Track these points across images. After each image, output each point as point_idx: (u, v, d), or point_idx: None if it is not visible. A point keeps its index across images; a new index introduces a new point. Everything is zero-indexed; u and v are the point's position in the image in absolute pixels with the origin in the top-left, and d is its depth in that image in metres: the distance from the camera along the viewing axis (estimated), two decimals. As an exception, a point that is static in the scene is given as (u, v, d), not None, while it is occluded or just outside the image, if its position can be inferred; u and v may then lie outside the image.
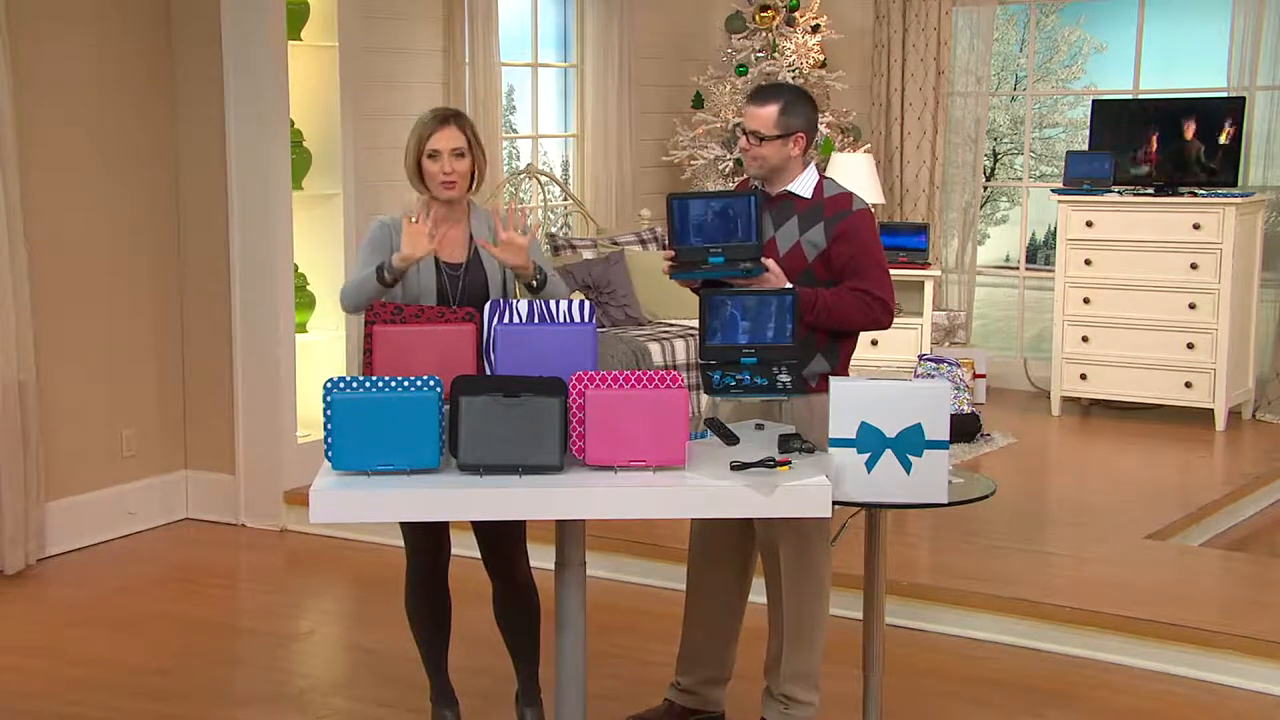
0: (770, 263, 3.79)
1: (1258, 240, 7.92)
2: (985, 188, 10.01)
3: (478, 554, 4.07)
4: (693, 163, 8.59)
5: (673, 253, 3.82)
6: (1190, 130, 7.87)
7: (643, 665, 4.77)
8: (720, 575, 4.15)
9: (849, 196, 3.94)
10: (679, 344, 7.20)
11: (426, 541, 3.98)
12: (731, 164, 8.35)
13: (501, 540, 3.99)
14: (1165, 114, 8.06)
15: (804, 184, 3.93)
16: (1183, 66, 9.70)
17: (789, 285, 3.77)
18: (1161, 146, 7.96)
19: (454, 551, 4.05)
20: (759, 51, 8.58)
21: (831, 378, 3.49)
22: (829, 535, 3.95)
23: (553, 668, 3.56)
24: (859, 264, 3.87)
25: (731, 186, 7.61)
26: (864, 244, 3.89)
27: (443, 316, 3.60)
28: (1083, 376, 8.08)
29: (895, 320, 8.33)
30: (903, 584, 5.06)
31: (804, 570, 3.95)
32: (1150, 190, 7.93)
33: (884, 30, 8.99)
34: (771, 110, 3.85)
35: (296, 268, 6.40)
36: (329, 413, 3.25)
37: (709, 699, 4.21)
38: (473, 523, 3.97)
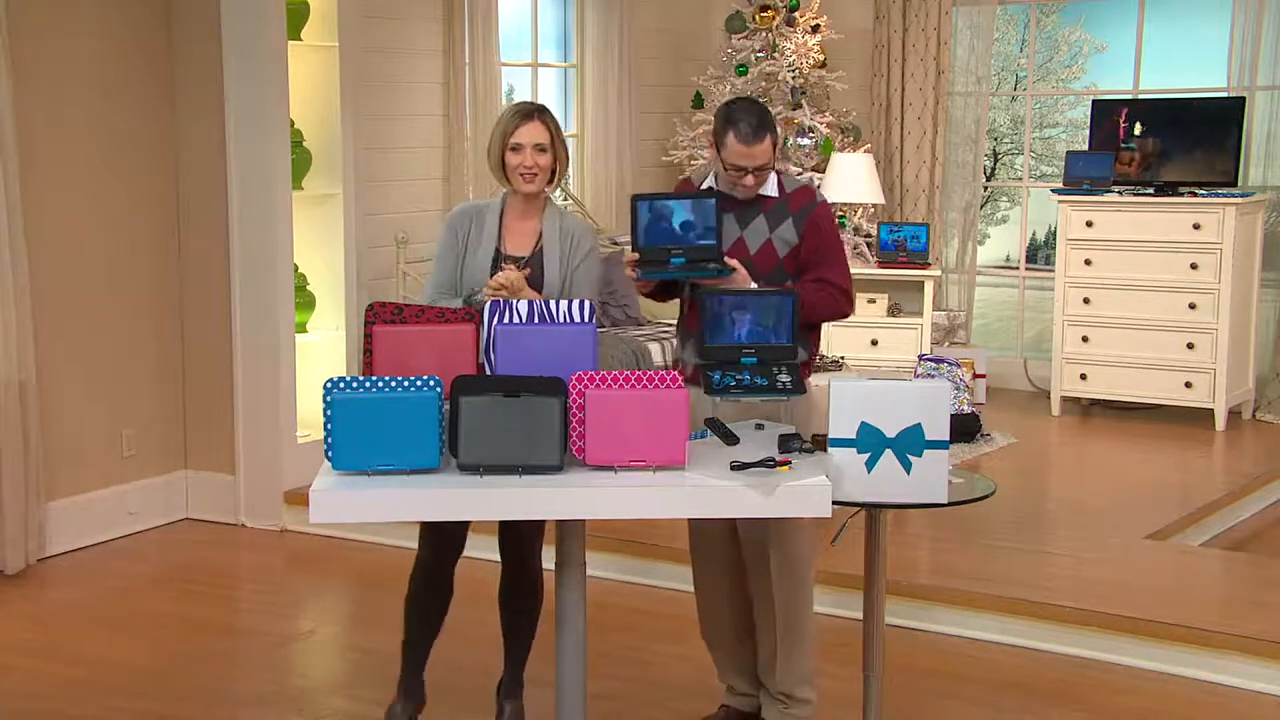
0: (735, 263, 3.82)
1: (1258, 240, 7.92)
2: (985, 188, 10.01)
3: (486, 556, 4.09)
4: (693, 163, 8.59)
5: (637, 255, 3.84)
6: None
7: (643, 665, 4.77)
8: (720, 574, 4.15)
9: (810, 190, 4.02)
10: (679, 344, 7.20)
11: (442, 538, 3.99)
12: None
13: (519, 530, 4.01)
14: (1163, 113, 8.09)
15: (769, 185, 3.97)
16: (1183, 66, 9.70)
17: (753, 285, 3.81)
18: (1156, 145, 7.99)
19: (465, 552, 4.06)
20: (759, 51, 8.59)
21: (832, 379, 3.50)
22: (812, 532, 3.96)
23: (553, 668, 3.56)
24: (823, 255, 3.94)
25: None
26: (829, 236, 3.97)
27: (442, 317, 3.60)
28: (1083, 376, 8.08)
29: (895, 320, 8.41)
30: (903, 584, 5.06)
31: (795, 569, 3.96)
32: (1150, 190, 7.93)
33: (884, 30, 8.99)
34: (768, 141, 3.87)
35: (296, 268, 6.40)
36: (329, 413, 3.26)
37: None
38: None
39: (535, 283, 3.94)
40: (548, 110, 3.99)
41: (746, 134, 3.84)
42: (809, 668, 4.03)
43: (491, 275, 3.90)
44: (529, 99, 8.41)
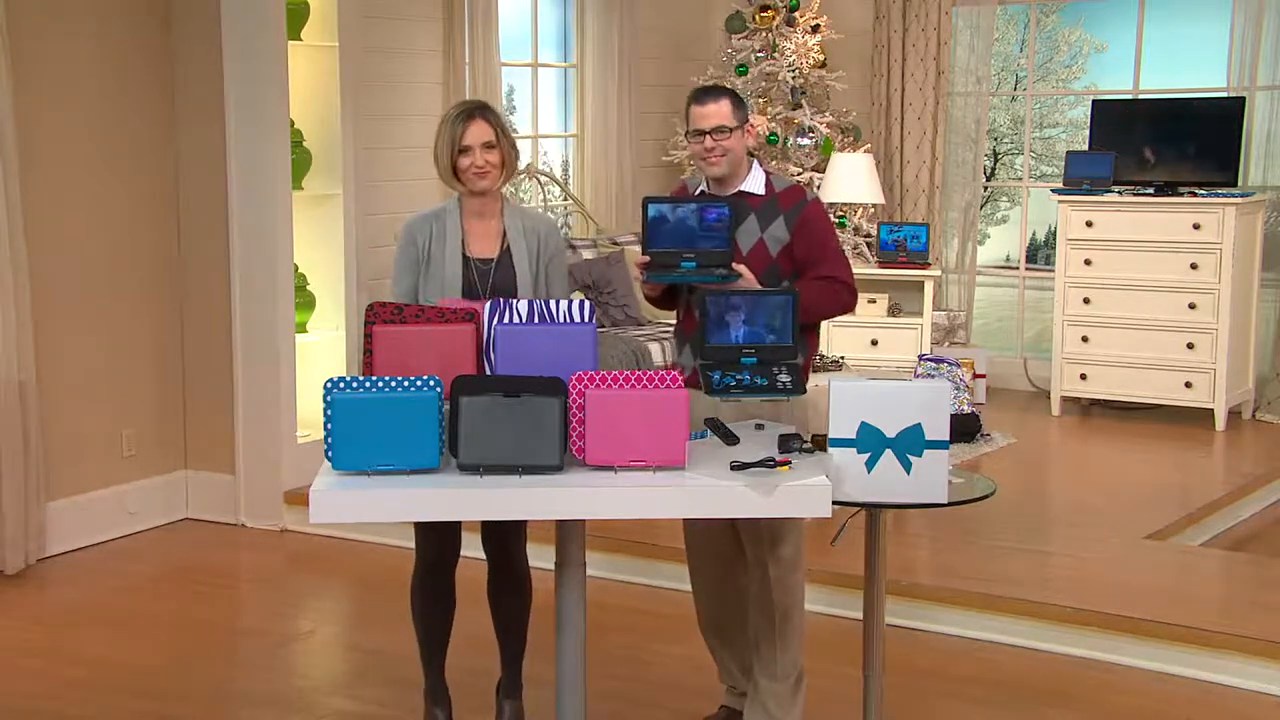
0: (743, 269, 3.82)
1: (1258, 240, 7.92)
2: (985, 188, 10.01)
3: (483, 555, 4.10)
4: (693, 163, 8.59)
5: (647, 258, 3.84)
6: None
7: (643, 665, 4.77)
8: (716, 567, 4.15)
9: (801, 188, 4.03)
10: (679, 344, 7.20)
11: (434, 539, 4.00)
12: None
13: (501, 525, 4.02)
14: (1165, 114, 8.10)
15: (754, 182, 3.98)
16: (1183, 66, 9.70)
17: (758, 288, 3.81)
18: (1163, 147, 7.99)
19: (463, 552, 4.07)
20: (759, 51, 8.58)
21: (832, 379, 3.50)
22: (801, 530, 3.98)
23: (553, 668, 3.56)
24: (821, 253, 3.95)
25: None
26: (824, 232, 3.98)
27: (442, 317, 3.60)
28: (1083, 376, 8.08)
29: (895, 320, 8.41)
30: (903, 584, 5.06)
31: (793, 561, 3.97)
32: (1150, 190, 7.93)
33: (884, 30, 8.99)
34: (725, 103, 3.91)
35: (296, 268, 6.39)
36: (329, 413, 3.25)
37: None
38: None
39: (506, 282, 3.94)
40: (489, 106, 3.98)
41: (700, 95, 3.93)
42: (799, 662, 4.03)
43: (463, 281, 3.91)
44: (529, 99, 8.44)
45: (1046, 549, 5.74)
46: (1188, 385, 7.78)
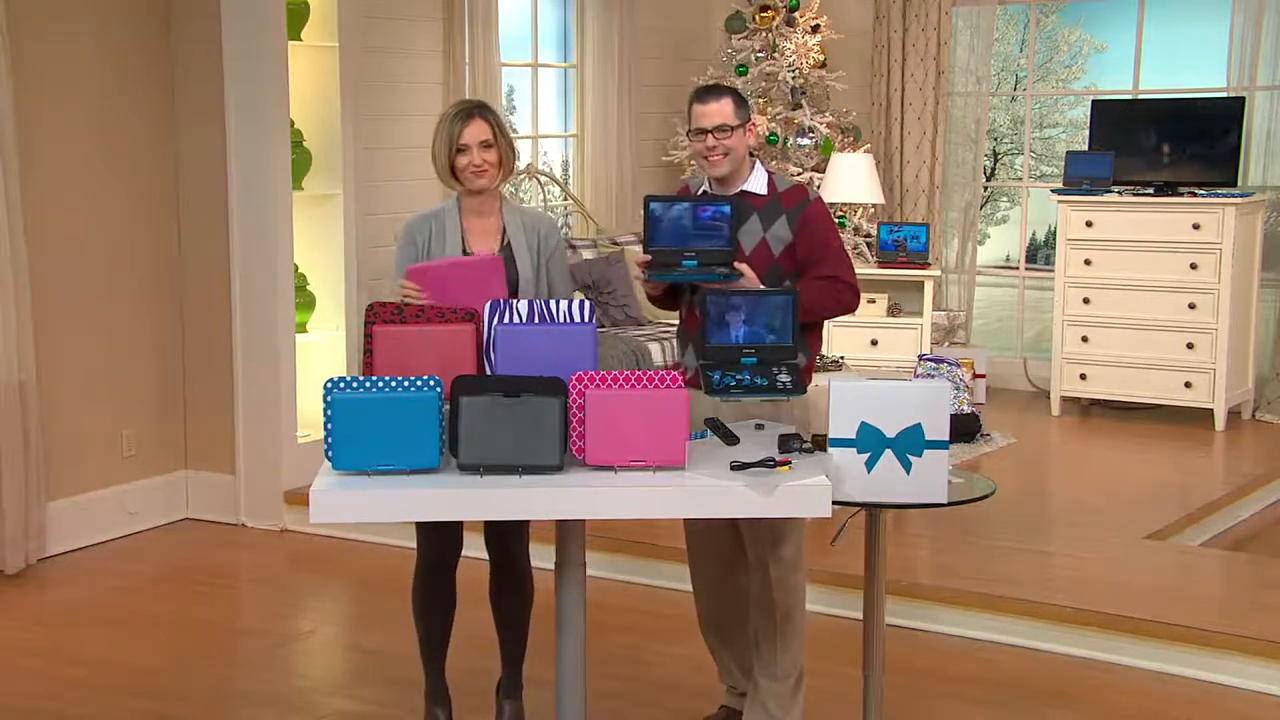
0: (745, 268, 3.82)
1: (1258, 240, 7.92)
2: (985, 188, 10.01)
3: (485, 555, 4.10)
4: (693, 163, 8.59)
5: (649, 257, 3.85)
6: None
7: (643, 665, 4.77)
8: (716, 566, 4.15)
9: (803, 188, 4.03)
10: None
11: (435, 538, 4.01)
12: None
13: (503, 524, 4.03)
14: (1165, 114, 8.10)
15: (757, 181, 3.98)
16: (1183, 66, 9.70)
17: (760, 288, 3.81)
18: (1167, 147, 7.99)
19: (464, 552, 4.07)
20: (759, 51, 8.59)
21: (832, 379, 3.50)
22: (803, 530, 3.97)
23: (553, 668, 3.56)
24: (823, 252, 3.95)
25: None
26: (826, 232, 3.98)
27: (442, 317, 3.60)
28: (1083, 376, 8.08)
29: (895, 320, 8.42)
30: (903, 584, 5.06)
31: (794, 561, 3.97)
32: (1150, 190, 7.93)
33: (884, 30, 8.99)
34: (727, 102, 3.91)
35: (296, 268, 6.40)
36: (329, 413, 3.26)
37: None
38: None
39: (508, 279, 3.93)
40: (487, 105, 4.00)
41: (702, 94, 3.93)
42: (799, 662, 4.03)
43: None
44: (529, 99, 8.44)
45: (1046, 549, 5.74)
46: (1187, 385, 7.78)
